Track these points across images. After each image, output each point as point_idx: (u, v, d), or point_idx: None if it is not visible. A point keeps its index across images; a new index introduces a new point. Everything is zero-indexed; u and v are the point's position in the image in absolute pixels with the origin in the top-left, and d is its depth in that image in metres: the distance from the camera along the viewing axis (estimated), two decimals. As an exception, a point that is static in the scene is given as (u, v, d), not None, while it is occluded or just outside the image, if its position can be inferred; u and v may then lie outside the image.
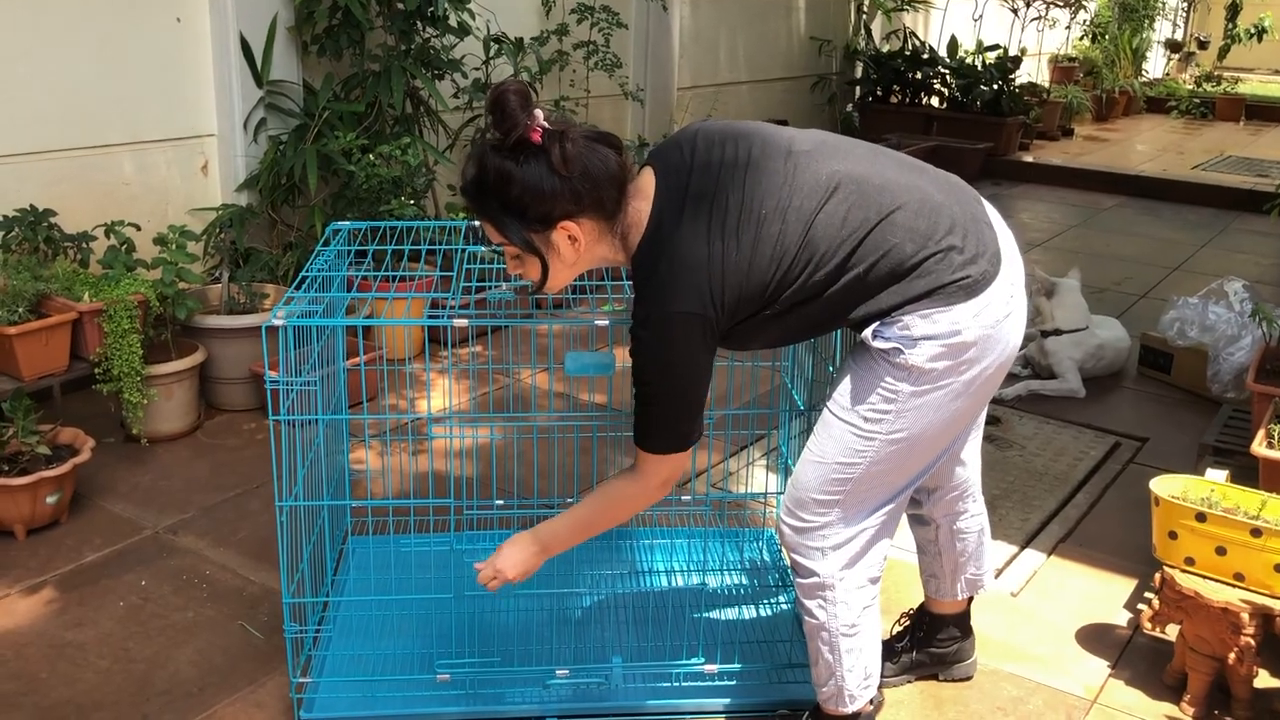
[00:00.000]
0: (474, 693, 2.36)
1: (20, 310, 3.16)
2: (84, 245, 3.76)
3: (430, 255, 4.23)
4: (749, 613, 2.65)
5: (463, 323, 2.25)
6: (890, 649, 2.48)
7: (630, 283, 2.00)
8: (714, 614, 2.57)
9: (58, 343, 3.20)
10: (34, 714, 2.34)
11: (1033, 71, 11.51)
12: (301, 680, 2.33)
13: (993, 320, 1.93)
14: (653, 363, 1.92)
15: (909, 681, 2.54)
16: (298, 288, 2.31)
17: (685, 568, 2.81)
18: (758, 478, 3.33)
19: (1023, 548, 3.15)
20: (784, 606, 2.70)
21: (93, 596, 2.75)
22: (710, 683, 2.41)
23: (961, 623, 2.54)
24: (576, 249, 1.93)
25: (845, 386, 2.01)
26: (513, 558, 2.12)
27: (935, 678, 2.55)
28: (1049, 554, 3.13)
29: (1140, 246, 6.81)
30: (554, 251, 1.93)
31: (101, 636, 2.60)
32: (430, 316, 2.39)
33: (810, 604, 2.11)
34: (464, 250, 2.63)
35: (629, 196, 1.93)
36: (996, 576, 2.97)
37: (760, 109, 7.67)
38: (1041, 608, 2.87)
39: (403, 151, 4.24)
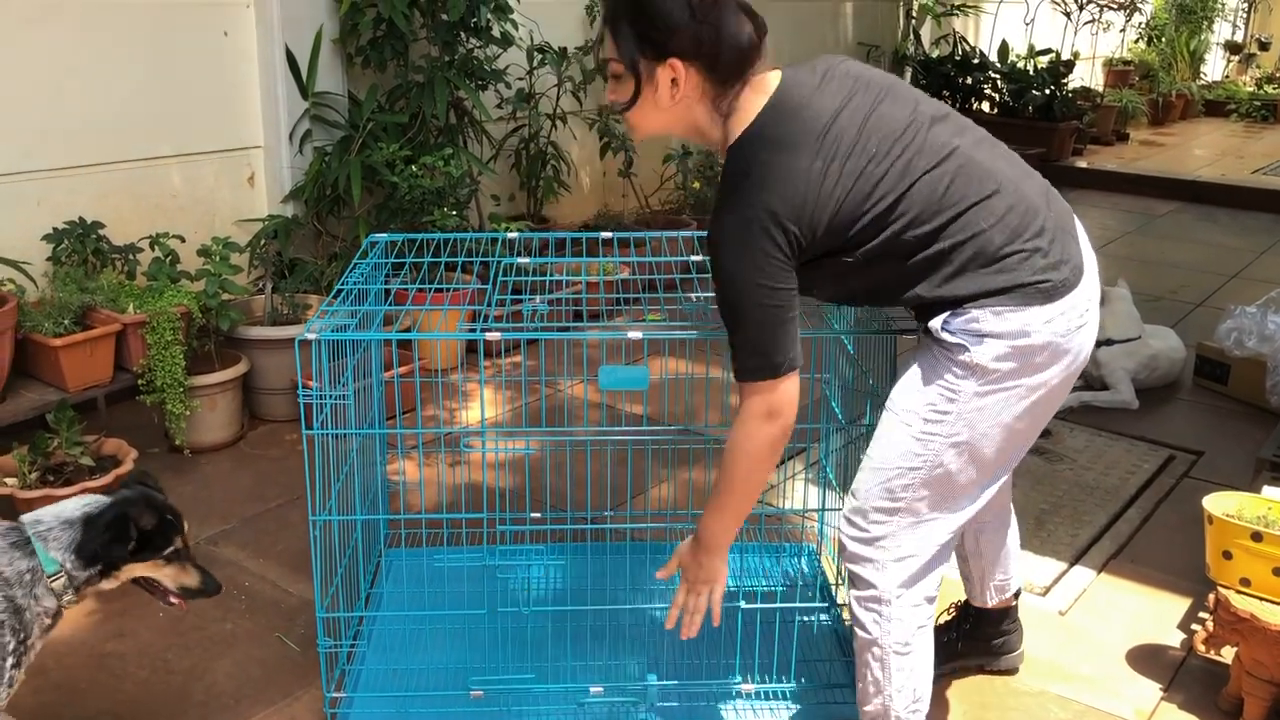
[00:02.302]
0: (507, 709, 2.34)
1: (65, 322, 3.20)
2: (131, 257, 3.81)
3: (469, 266, 4.24)
4: (788, 630, 2.60)
5: (495, 336, 2.24)
6: (937, 639, 2.42)
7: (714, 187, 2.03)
8: (752, 631, 2.53)
9: (102, 354, 3.24)
10: (73, 725, 2.35)
11: (1086, 76, 11.34)
12: (336, 695, 2.32)
13: (1065, 329, 1.89)
14: (732, 275, 1.85)
15: (954, 672, 2.50)
16: (333, 300, 2.31)
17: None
18: (798, 492, 3.28)
19: (1072, 564, 3.07)
20: (824, 623, 2.65)
21: (134, 607, 2.76)
22: (749, 701, 2.36)
23: (1007, 616, 2.51)
24: (674, 95, 1.89)
25: (906, 387, 1.98)
26: (700, 572, 2.03)
27: (982, 669, 2.52)
28: (1099, 571, 3.05)
29: (1197, 253, 6.66)
30: (652, 87, 1.90)
31: (141, 647, 2.62)
32: (466, 329, 2.38)
33: (865, 618, 2.06)
34: (502, 261, 2.62)
35: (746, 79, 1.90)
36: (1045, 594, 2.92)
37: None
38: (1091, 626, 2.80)
39: (445, 162, 4.24)
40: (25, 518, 1.94)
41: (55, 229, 3.72)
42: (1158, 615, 2.85)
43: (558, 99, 5.36)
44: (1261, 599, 2.32)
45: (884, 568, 2.02)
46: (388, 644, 2.54)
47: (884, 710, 2.09)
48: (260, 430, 3.76)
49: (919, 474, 1.96)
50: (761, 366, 1.87)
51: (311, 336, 2.11)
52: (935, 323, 1.91)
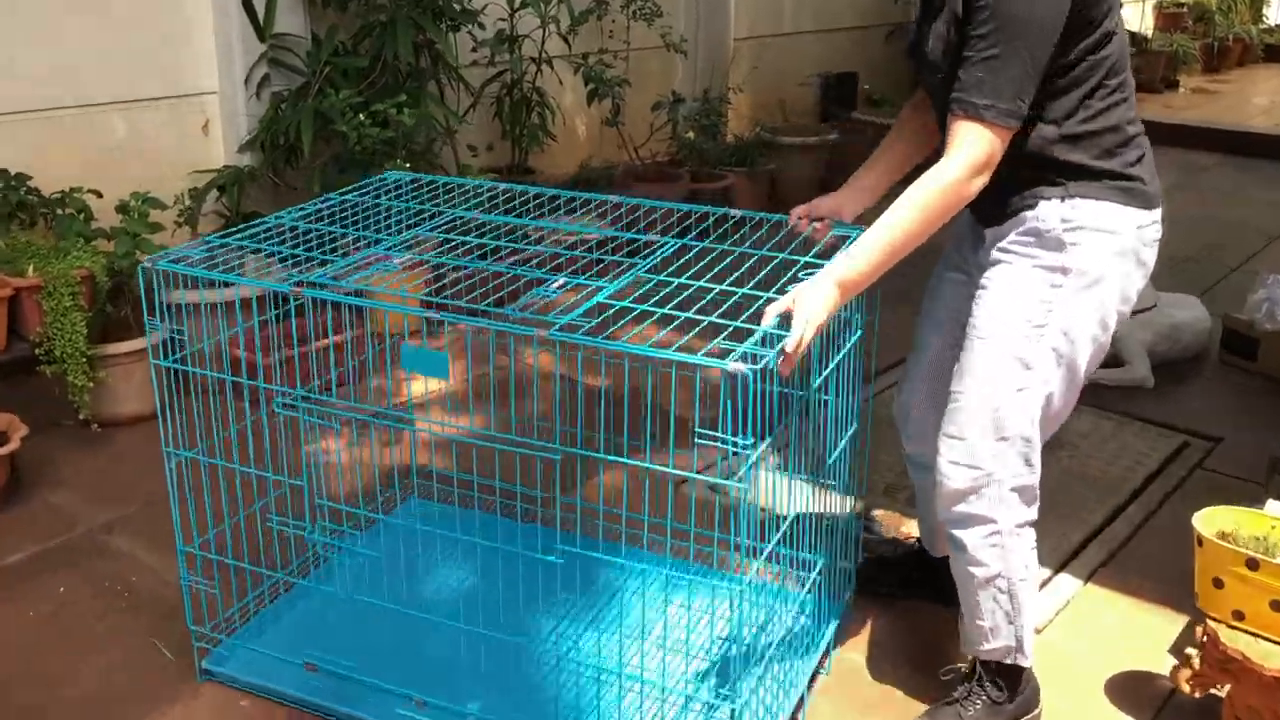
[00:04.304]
0: (339, 690, 2.18)
1: (-52, 287, 2.94)
2: (58, 212, 3.54)
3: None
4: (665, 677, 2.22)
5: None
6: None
7: None
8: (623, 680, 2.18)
9: (-9, 321, 2.98)
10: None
11: (1134, 18, 10.69)
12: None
13: (1150, 239, 1.95)
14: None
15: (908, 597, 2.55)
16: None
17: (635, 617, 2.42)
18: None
19: (1056, 571, 2.73)
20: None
21: (4, 601, 2.53)
22: None
23: None
24: None
25: (991, 309, 1.95)
26: (813, 303, 1.81)
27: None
28: (1086, 580, 2.71)
29: (1241, 211, 6.18)
30: None
31: (2, 649, 2.36)
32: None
33: (985, 555, 2.02)
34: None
35: None
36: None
37: (828, 60, 7.15)
38: (1070, 648, 2.46)
39: (399, 110, 3.91)
40: None
41: (-22, 180, 3.47)
42: (1148, 634, 2.51)
43: (543, 41, 5.00)
44: (1257, 636, 1.98)
45: (1001, 501, 2.00)
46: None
47: (1018, 641, 2.08)
48: (187, 402, 3.48)
49: (1025, 396, 1.94)
50: (1000, 107, 1.79)
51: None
52: (1037, 210, 1.90)
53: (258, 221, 2.29)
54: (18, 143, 3.67)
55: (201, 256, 2.15)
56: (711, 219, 2.29)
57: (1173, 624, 2.54)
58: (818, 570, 2.20)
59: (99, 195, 3.51)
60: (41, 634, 2.43)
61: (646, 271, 2.00)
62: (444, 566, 2.56)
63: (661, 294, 1.92)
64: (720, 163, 5.63)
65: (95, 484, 3.01)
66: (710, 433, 1.68)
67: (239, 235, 2.20)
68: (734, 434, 1.66)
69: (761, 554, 1.82)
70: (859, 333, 2.18)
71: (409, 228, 2.33)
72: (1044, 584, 2.68)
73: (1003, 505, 2.01)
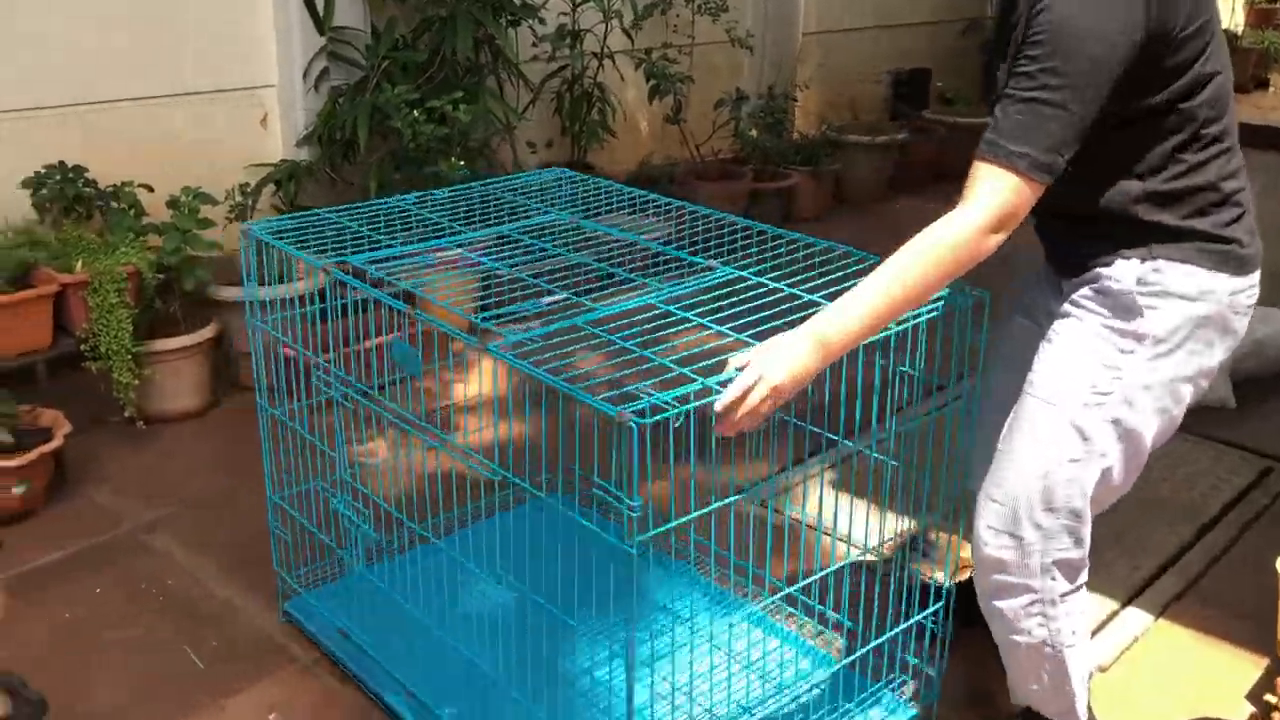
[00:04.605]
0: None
1: (-2, 281, 2.92)
2: (112, 204, 3.53)
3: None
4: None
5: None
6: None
7: None
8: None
9: (38, 317, 2.96)
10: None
11: (1225, 15, 10.30)
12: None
13: (1242, 307, 1.79)
14: (1060, 23, 1.57)
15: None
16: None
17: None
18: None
19: (1124, 604, 2.58)
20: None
21: (37, 603, 2.50)
22: None
23: None
24: None
25: (1054, 368, 1.79)
26: (776, 362, 1.58)
27: None
28: (1159, 615, 2.56)
29: (1333, 219, 5.89)
30: None
31: (31, 657, 2.32)
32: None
33: (1026, 624, 1.88)
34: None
35: None
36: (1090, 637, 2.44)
37: (900, 56, 6.97)
38: (1136, 689, 2.32)
39: (455, 106, 3.85)
40: None
41: (36, 173, 3.47)
42: (1225, 677, 2.35)
43: (605, 36, 4.91)
44: (1343, 692, 1.83)
45: (1043, 573, 1.84)
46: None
47: (1070, 705, 1.96)
48: (236, 399, 3.47)
49: (1079, 467, 1.77)
50: (1031, 156, 1.59)
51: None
52: (1114, 269, 1.73)
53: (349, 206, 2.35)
54: (76, 135, 3.67)
55: (295, 225, 2.21)
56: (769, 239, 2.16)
57: (1252, 667, 2.38)
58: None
59: (150, 190, 3.49)
60: (73, 637, 2.40)
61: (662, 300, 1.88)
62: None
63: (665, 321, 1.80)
64: (784, 161, 5.50)
65: (140, 482, 2.99)
66: (603, 484, 1.54)
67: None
68: (625, 490, 1.48)
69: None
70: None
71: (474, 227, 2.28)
72: (1110, 618, 2.53)
73: (1044, 577, 1.85)
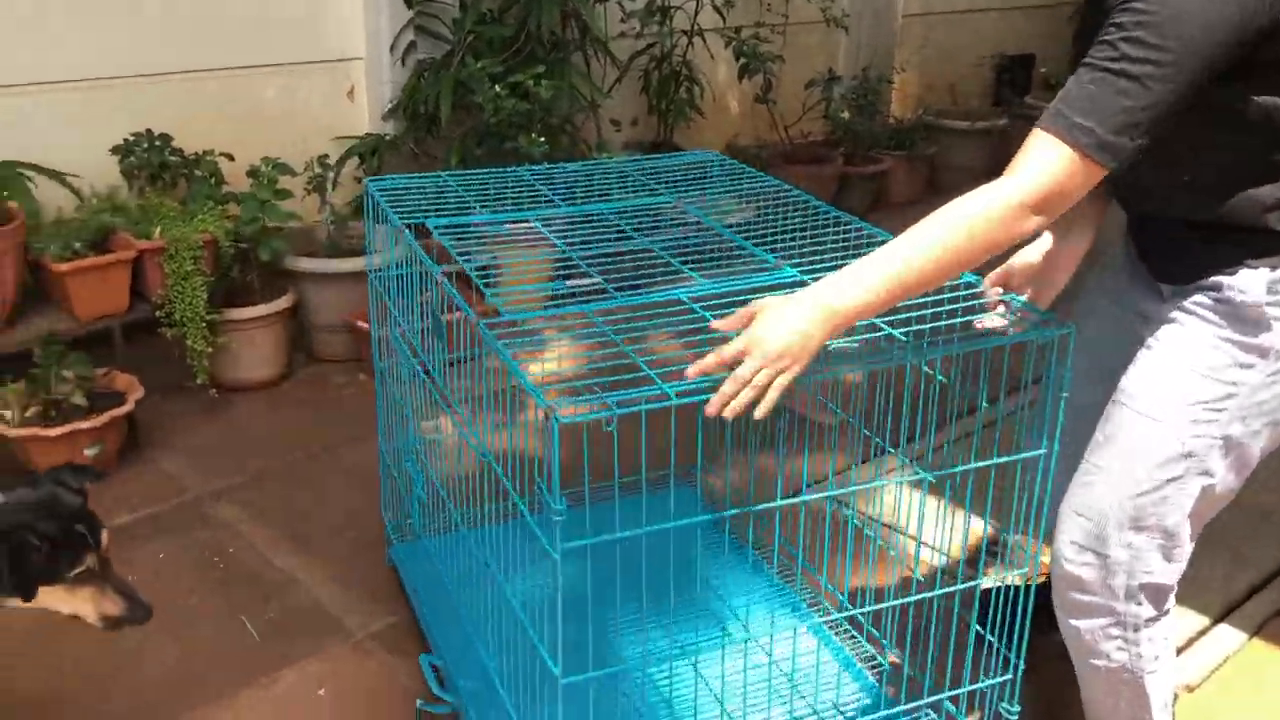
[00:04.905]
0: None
1: (77, 245, 2.94)
2: (196, 173, 3.56)
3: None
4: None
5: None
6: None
7: None
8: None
9: (116, 282, 2.99)
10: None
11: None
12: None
13: None
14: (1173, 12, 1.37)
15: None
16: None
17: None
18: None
19: (1217, 620, 2.42)
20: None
21: (105, 566, 2.52)
22: None
23: None
24: None
25: (1157, 376, 1.65)
26: (775, 327, 1.43)
27: None
28: (1254, 634, 2.40)
29: None
30: None
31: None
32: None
33: (1105, 647, 1.77)
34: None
35: None
36: (1177, 654, 2.29)
37: (1004, 40, 6.74)
38: (1228, 711, 2.17)
39: (536, 81, 3.79)
40: None
41: (125, 140, 3.51)
42: (1324, 704, 2.19)
43: (695, 13, 4.81)
44: None
45: (1128, 597, 1.72)
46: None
47: None
48: (312, 370, 3.48)
49: (1177, 486, 1.64)
50: (1110, 146, 1.40)
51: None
52: (1239, 279, 1.57)
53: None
54: (166, 103, 3.70)
55: (410, 185, 2.20)
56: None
57: (1355, 694, 2.22)
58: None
59: (231, 159, 3.50)
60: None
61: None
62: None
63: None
64: (877, 145, 5.35)
65: (209, 450, 3.01)
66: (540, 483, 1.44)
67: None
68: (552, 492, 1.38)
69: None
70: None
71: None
72: (1200, 634, 2.38)
73: (1129, 601, 1.72)
